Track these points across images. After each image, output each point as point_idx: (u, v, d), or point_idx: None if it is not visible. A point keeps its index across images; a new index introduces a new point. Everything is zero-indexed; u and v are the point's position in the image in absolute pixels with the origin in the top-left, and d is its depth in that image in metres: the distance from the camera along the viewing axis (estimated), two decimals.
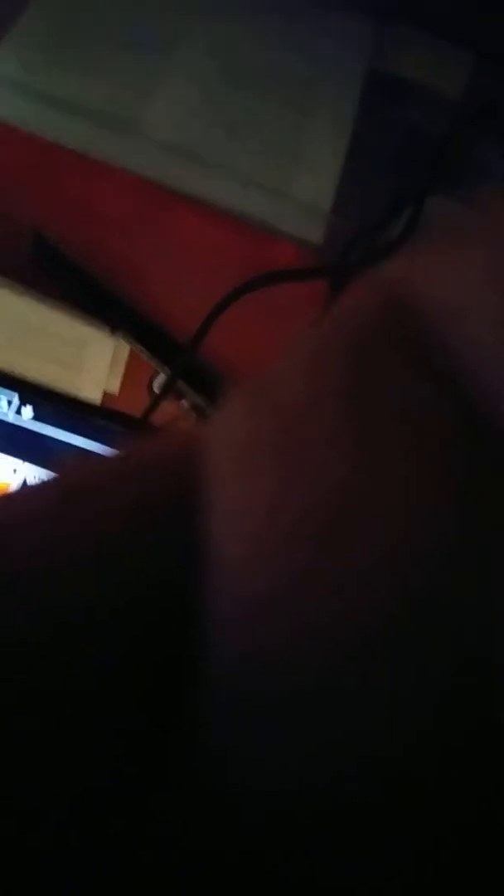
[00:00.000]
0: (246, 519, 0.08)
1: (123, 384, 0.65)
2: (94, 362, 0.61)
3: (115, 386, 0.65)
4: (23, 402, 0.50)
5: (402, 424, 0.08)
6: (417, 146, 0.50)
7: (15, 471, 0.49)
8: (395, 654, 0.07)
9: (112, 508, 0.09)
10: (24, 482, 0.48)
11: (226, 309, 0.43)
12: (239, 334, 0.49)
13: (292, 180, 0.47)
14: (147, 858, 0.08)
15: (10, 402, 0.50)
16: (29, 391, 0.50)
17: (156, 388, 0.57)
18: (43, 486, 0.09)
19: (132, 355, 0.62)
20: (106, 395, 0.65)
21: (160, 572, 0.09)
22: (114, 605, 0.08)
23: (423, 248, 0.09)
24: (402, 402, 0.08)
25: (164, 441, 0.10)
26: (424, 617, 0.07)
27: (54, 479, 0.10)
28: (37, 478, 0.49)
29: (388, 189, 0.48)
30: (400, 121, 0.51)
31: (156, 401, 0.50)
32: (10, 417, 0.50)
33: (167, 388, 0.50)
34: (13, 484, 0.49)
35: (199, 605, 0.08)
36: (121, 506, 0.09)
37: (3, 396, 0.50)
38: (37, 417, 0.50)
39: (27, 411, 0.50)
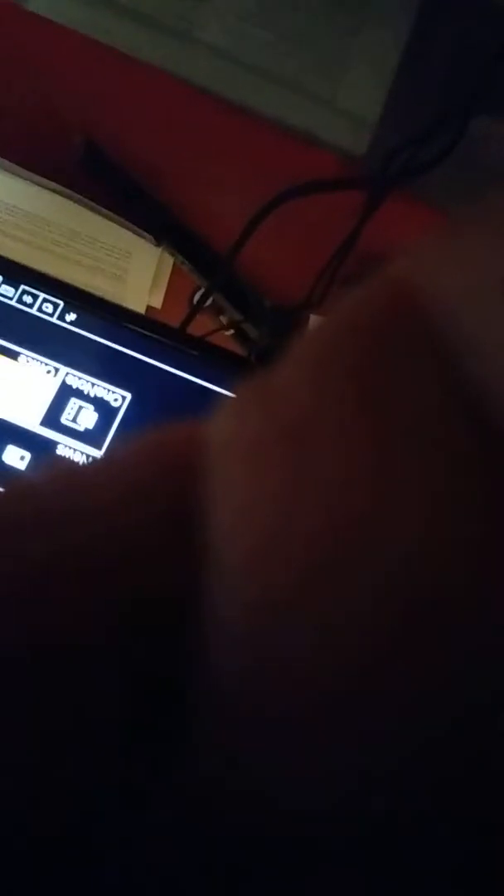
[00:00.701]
0: (253, 521, 0.08)
1: (166, 298, 0.66)
2: (138, 274, 0.62)
3: (158, 300, 0.67)
4: (67, 309, 0.52)
5: (412, 426, 0.08)
6: (469, 63, 0.49)
7: (55, 372, 0.51)
8: (409, 662, 0.07)
9: (110, 516, 0.09)
10: (63, 382, 0.50)
11: (264, 218, 0.43)
12: (278, 246, 0.49)
13: (340, 90, 0.47)
14: (136, 877, 0.08)
15: (55, 307, 0.52)
16: (74, 297, 0.52)
17: (197, 302, 0.58)
18: (40, 489, 0.09)
19: (175, 270, 0.63)
20: (149, 308, 0.67)
21: (158, 582, 0.08)
22: (109, 616, 0.08)
23: (430, 243, 0.09)
24: (411, 403, 0.08)
25: (165, 440, 0.10)
26: (440, 623, 0.07)
27: (50, 483, 0.09)
28: (78, 379, 0.51)
29: (437, 104, 0.47)
30: (454, 37, 0.50)
31: (194, 310, 0.51)
32: (54, 320, 0.51)
33: (205, 298, 0.51)
34: (51, 387, 0.51)
35: (198, 615, 0.08)
36: (119, 513, 0.09)
37: (48, 301, 0.52)
38: (79, 323, 0.52)
39: (71, 317, 0.52)
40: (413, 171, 0.43)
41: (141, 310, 0.64)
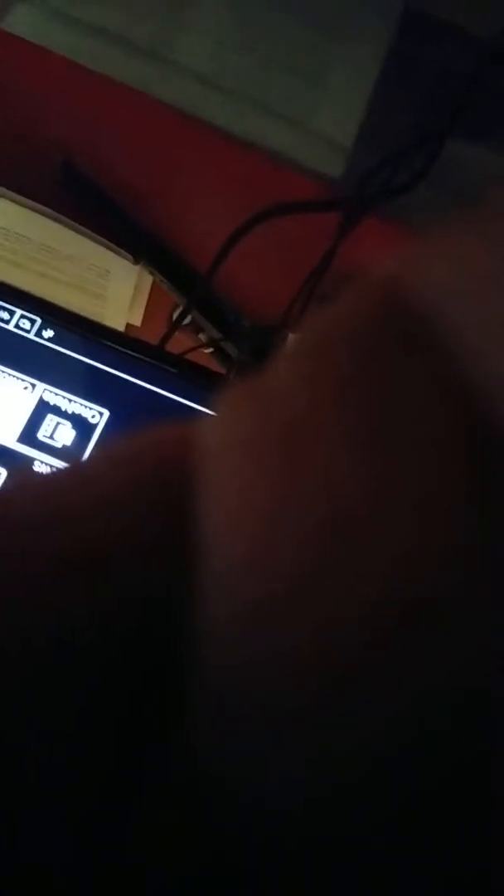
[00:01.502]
0: (245, 522, 0.08)
1: (146, 316, 0.66)
2: (117, 292, 0.62)
3: (137, 318, 0.67)
4: (44, 325, 0.52)
5: (405, 425, 0.08)
6: (445, 87, 0.50)
7: (31, 388, 0.51)
8: (400, 662, 0.07)
9: (103, 515, 0.09)
10: (41, 399, 0.50)
11: (241, 238, 0.44)
12: (254, 267, 0.50)
13: (316, 113, 0.48)
14: (131, 873, 0.08)
15: (32, 323, 0.52)
16: (51, 314, 0.52)
17: (175, 319, 0.59)
18: (31, 490, 0.09)
19: (154, 288, 0.63)
20: (128, 326, 0.67)
21: (149, 583, 0.08)
22: (100, 618, 0.08)
23: (420, 243, 0.09)
24: (403, 402, 0.08)
25: (158, 440, 0.10)
26: (431, 623, 0.07)
27: (42, 483, 0.09)
28: (56, 396, 0.51)
29: (412, 128, 0.48)
30: (429, 61, 0.51)
31: (173, 328, 0.52)
32: (31, 336, 0.52)
33: (183, 316, 0.51)
34: (28, 403, 0.51)
35: (189, 617, 0.08)
36: (111, 513, 0.09)
37: (25, 318, 0.52)
38: (57, 340, 0.52)
39: (48, 333, 0.52)
40: (388, 193, 0.44)
41: (120, 327, 0.64)
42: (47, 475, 0.09)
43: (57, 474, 0.09)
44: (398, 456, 0.08)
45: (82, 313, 0.53)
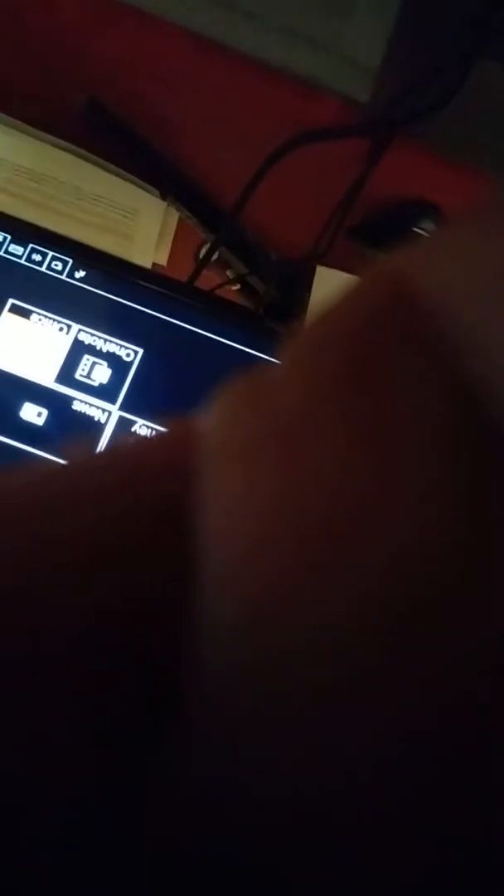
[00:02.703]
0: (247, 517, 0.08)
1: (171, 255, 0.67)
2: (144, 231, 0.63)
3: (163, 256, 0.67)
4: (76, 266, 0.52)
5: (408, 421, 0.08)
6: (472, 7, 0.49)
7: (67, 329, 0.52)
8: (398, 661, 0.07)
9: (102, 513, 0.09)
10: (76, 339, 0.51)
11: (269, 169, 0.44)
12: (281, 199, 0.50)
13: (342, 36, 0.47)
14: (128, 872, 0.08)
15: (64, 264, 0.52)
16: (82, 254, 0.52)
17: (203, 256, 0.59)
18: (32, 483, 0.09)
19: (180, 226, 0.63)
20: (155, 265, 0.67)
21: (150, 579, 0.08)
22: (97, 614, 0.08)
23: (426, 240, 0.09)
24: (406, 398, 0.08)
25: (159, 439, 0.10)
26: (430, 622, 0.07)
27: (43, 477, 0.09)
28: (90, 336, 0.51)
29: (440, 49, 0.47)
30: None
31: (200, 265, 0.52)
32: (63, 277, 0.52)
33: (211, 252, 0.51)
34: (63, 344, 0.51)
35: (191, 613, 0.08)
36: (111, 510, 0.09)
37: (57, 259, 0.52)
38: (88, 280, 0.52)
39: (80, 274, 0.52)
40: (417, 116, 0.44)
41: (147, 267, 0.64)
42: (48, 468, 0.09)
43: (58, 468, 0.09)
44: (398, 453, 0.08)
45: (111, 253, 0.53)
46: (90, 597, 0.08)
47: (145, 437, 0.09)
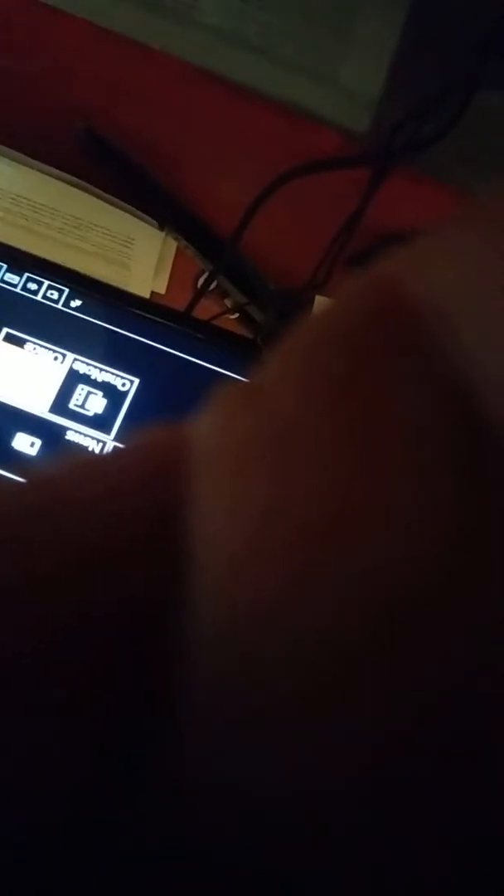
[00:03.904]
0: (239, 523, 0.08)
1: (170, 284, 0.66)
2: (141, 260, 0.62)
3: (162, 286, 0.67)
4: (72, 295, 0.52)
5: (399, 426, 0.08)
6: (471, 38, 0.49)
7: (62, 358, 0.51)
8: (392, 664, 0.07)
9: (93, 518, 0.09)
10: (70, 368, 0.51)
11: (267, 199, 0.43)
12: (279, 229, 0.49)
13: (341, 68, 0.47)
14: (116, 878, 0.08)
15: (60, 293, 0.52)
16: (78, 283, 0.52)
17: (201, 285, 0.58)
18: (24, 489, 0.09)
19: (178, 255, 0.63)
20: (153, 294, 0.67)
21: (140, 584, 0.08)
22: (88, 618, 0.08)
23: (418, 242, 0.09)
24: (398, 402, 0.08)
25: (150, 444, 0.10)
26: (424, 625, 0.07)
27: (38, 484, 0.09)
28: (85, 365, 0.51)
29: (440, 79, 0.47)
30: (455, 11, 0.50)
31: (199, 294, 0.51)
32: (59, 306, 0.52)
33: (209, 282, 0.51)
34: (58, 373, 0.51)
35: (180, 618, 0.08)
36: (102, 515, 0.09)
37: (53, 288, 0.52)
38: (84, 310, 0.52)
39: (76, 303, 0.52)
40: (416, 146, 0.43)
41: (145, 296, 0.64)
42: (40, 474, 0.09)
43: (51, 474, 0.09)
44: (389, 458, 0.08)
45: (108, 282, 0.53)
46: (82, 601, 0.08)
47: (136, 443, 0.10)
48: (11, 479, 0.08)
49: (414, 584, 0.07)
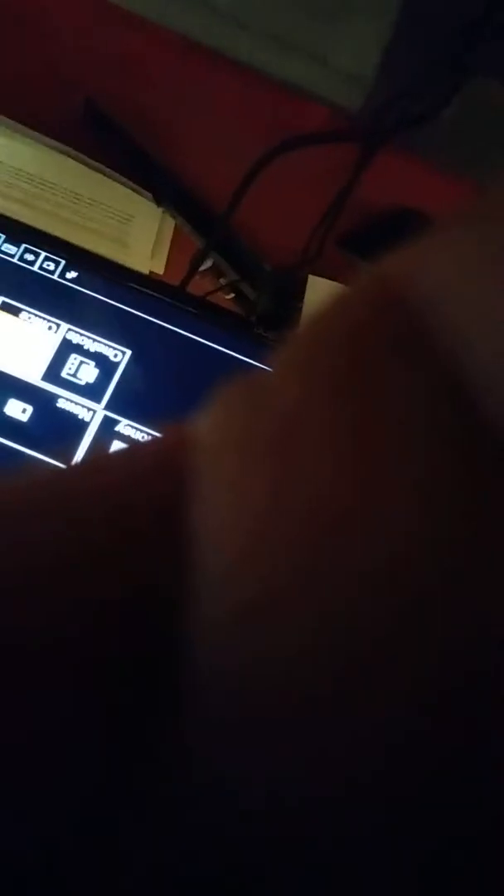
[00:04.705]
0: (241, 519, 0.08)
1: (169, 265, 0.67)
2: (140, 237, 0.63)
3: (160, 265, 0.68)
4: (68, 267, 0.53)
5: (401, 425, 0.08)
6: (465, 19, 0.50)
7: (56, 328, 0.52)
8: (393, 661, 0.07)
9: (97, 513, 0.09)
10: (64, 338, 0.52)
11: (259, 173, 0.44)
12: (273, 206, 0.50)
13: (336, 47, 0.48)
14: (117, 882, 0.08)
15: (56, 264, 0.53)
16: (74, 255, 0.53)
17: (194, 261, 0.59)
18: (33, 481, 0.09)
19: (177, 236, 0.64)
20: (151, 273, 0.68)
21: (144, 582, 0.08)
22: (90, 613, 0.08)
23: (421, 240, 0.09)
24: (399, 401, 0.08)
25: (154, 443, 0.10)
26: (425, 621, 0.07)
27: (39, 481, 0.09)
28: (79, 335, 0.52)
29: (431, 61, 0.48)
30: None
31: (193, 269, 0.52)
32: (55, 277, 0.53)
33: (203, 256, 0.51)
34: (52, 342, 0.52)
35: (184, 617, 0.08)
36: (107, 511, 0.09)
37: (49, 259, 0.53)
38: (80, 281, 0.53)
39: (71, 274, 0.53)
40: (405, 125, 0.44)
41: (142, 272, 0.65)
42: (45, 471, 0.10)
43: (56, 472, 0.10)
44: (390, 454, 0.08)
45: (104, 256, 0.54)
46: (84, 596, 0.08)
47: (141, 442, 0.09)
48: (17, 475, 0.09)
49: (421, 579, 0.07)
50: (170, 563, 0.08)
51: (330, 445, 0.08)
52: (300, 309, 0.57)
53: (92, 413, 0.51)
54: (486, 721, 0.07)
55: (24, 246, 0.53)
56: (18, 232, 0.53)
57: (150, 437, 0.10)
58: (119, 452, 0.10)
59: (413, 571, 0.07)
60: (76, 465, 0.10)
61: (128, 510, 0.09)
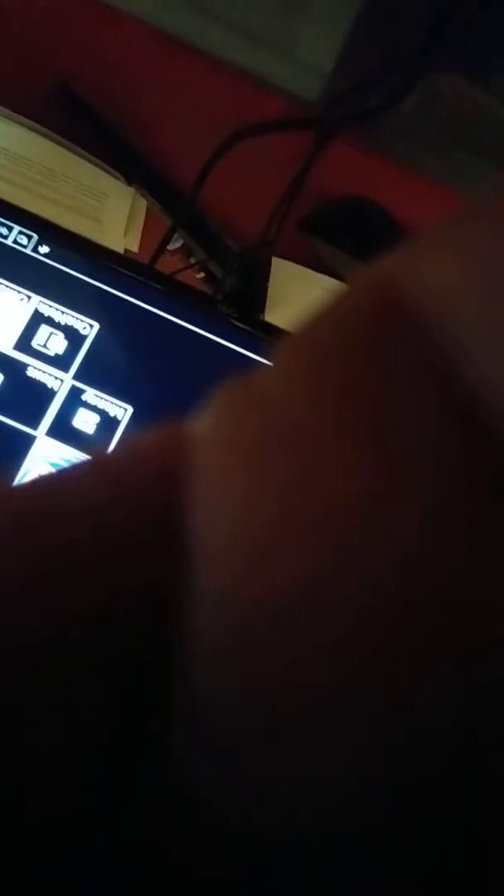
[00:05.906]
0: (244, 531, 0.08)
1: (143, 245, 0.69)
2: (113, 215, 0.65)
3: (134, 244, 0.70)
4: (41, 241, 0.55)
5: (403, 428, 0.08)
6: (425, 16, 0.52)
7: (27, 299, 0.54)
8: (400, 673, 0.07)
9: (97, 522, 0.09)
10: (35, 310, 0.54)
11: (221, 156, 0.46)
12: (238, 187, 0.53)
13: (297, 39, 0.50)
14: (114, 878, 0.08)
15: (29, 238, 0.55)
16: (48, 230, 0.55)
17: (171, 246, 0.62)
18: (22, 493, 0.09)
19: (150, 215, 0.66)
20: (126, 251, 0.70)
21: (141, 594, 0.08)
22: (91, 623, 0.08)
23: (416, 242, 0.09)
24: (401, 404, 0.08)
25: (152, 446, 0.10)
26: (432, 632, 0.07)
27: (34, 487, 0.09)
28: (49, 308, 0.54)
29: (390, 55, 0.50)
30: None
31: (161, 245, 0.55)
32: (28, 251, 0.55)
33: (171, 234, 0.54)
34: (24, 313, 0.54)
35: (181, 630, 0.08)
36: (106, 519, 0.09)
37: (23, 234, 0.55)
38: (52, 256, 0.55)
39: (44, 249, 0.55)
40: (359, 116, 0.46)
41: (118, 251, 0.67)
42: (46, 478, 0.10)
43: (61, 475, 0.10)
44: (396, 460, 0.08)
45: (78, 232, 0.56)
46: (84, 604, 0.08)
47: (140, 443, 0.10)
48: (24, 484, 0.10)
49: (430, 588, 0.07)
50: (169, 573, 0.08)
51: (334, 453, 0.08)
52: (267, 290, 0.59)
53: (60, 382, 0.53)
54: (493, 728, 0.07)
55: None
56: None
57: (148, 437, 0.10)
58: (117, 456, 0.10)
59: (421, 579, 0.07)
60: (73, 472, 0.10)
61: (126, 518, 0.09)
